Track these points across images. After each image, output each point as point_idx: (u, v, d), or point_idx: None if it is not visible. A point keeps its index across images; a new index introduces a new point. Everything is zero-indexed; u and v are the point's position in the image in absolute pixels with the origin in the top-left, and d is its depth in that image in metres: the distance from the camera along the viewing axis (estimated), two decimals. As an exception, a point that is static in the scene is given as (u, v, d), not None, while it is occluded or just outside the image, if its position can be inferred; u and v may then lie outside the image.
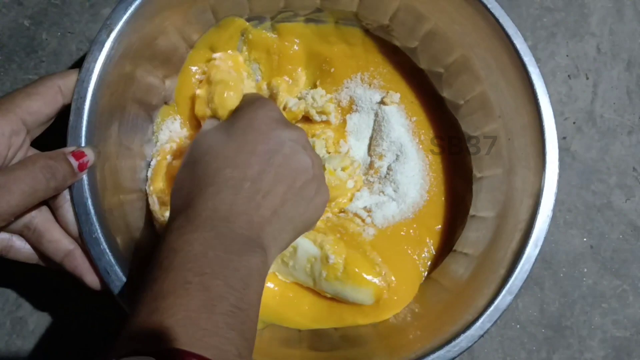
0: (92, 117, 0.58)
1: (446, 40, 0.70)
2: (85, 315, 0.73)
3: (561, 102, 0.82)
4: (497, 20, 0.62)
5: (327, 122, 0.77)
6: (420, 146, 0.76)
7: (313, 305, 0.72)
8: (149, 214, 0.69)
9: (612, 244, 0.79)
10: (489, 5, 0.62)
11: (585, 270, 0.79)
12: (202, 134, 0.63)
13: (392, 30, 0.75)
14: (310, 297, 0.72)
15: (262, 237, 0.55)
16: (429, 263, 0.74)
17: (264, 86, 0.78)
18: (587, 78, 0.83)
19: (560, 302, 0.78)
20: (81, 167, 0.56)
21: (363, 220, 0.74)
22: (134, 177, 0.68)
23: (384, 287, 0.70)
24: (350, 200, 0.75)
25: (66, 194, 0.57)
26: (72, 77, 0.58)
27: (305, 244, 0.68)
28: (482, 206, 0.70)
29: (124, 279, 0.57)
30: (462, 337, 0.57)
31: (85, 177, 0.57)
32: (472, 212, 0.72)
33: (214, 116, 0.69)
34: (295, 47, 0.78)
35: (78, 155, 0.56)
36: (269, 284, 0.71)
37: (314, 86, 0.79)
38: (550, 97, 0.61)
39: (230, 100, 0.69)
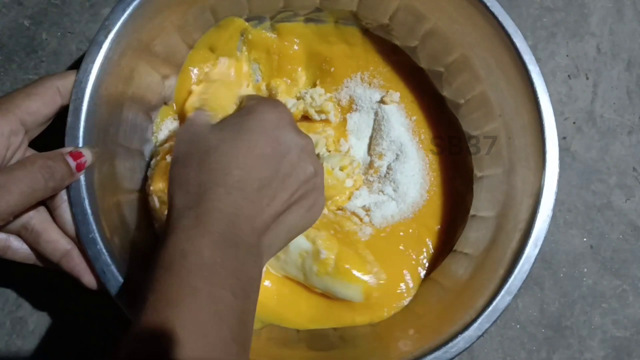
0: (89, 117, 0.58)
1: (446, 40, 0.70)
2: (85, 315, 0.73)
3: (561, 102, 0.82)
4: (497, 19, 0.62)
5: (326, 121, 0.77)
6: (420, 146, 0.76)
7: (310, 305, 0.72)
8: (147, 214, 0.69)
9: (612, 244, 0.79)
10: (488, 4, 0.62)
11: (585, 270, 0.78)
12: (201, 127, 0.60)
13: (392, 29, 0.75)
14: (306, 295, 0.72)
15: (260, 244, 0.54)
16: (428, 263, 0.74)
17: (263, 87, 0.78)
18: (587, 78, 0.83)
19: (560, 302, 0.78)
20: (79, 168, 0.56)
21: (361, 220, 0.74)
22: (133, 177, 0.68)
23: (375, 285, 0.70)
24: (349, 198, 0.75)
25: (64, 194, 0.57)
26: (70, 78, 0.58)
27: (297, 239, 0.68)
28: (482, 206, 0.70)
29: (121, 279, 0.57)
30: (460, 337, 0.57)
31: (82, 177, 0.57)
32: (472, 211, 0.72)
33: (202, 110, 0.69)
34: (295, 47, 0.78)
35: (76, 155, 0.56)
36: (266, 282, 0.71)
37: (314, 86, 0.79)
38: (550, 97, 0.61)
39: (225, 99, 0.68)
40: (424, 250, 0.74)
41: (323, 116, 0.76)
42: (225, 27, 0.73)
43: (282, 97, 0.76)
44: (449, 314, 0.63)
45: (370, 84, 0.78)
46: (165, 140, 0.72)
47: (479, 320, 0.57)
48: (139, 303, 0.48)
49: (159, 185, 0.66)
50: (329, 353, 0.67)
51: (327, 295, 0.71)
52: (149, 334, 0.44)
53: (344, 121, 0.78)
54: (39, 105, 0.56)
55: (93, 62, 0.58)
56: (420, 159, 0.75)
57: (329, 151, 0.76)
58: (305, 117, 0.77)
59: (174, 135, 0.72)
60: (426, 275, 0.73)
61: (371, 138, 0.78)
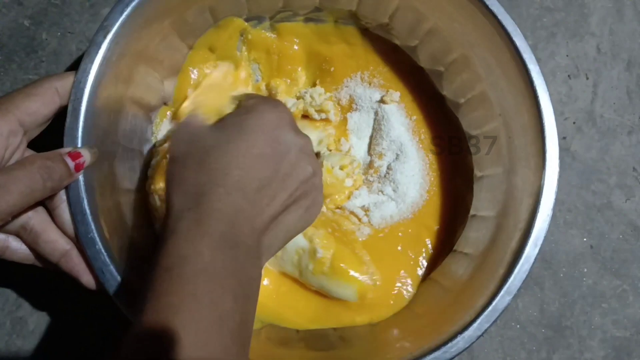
0: (88, 118, 0.58)
1: (446, 39, 0.70)
2: (85, 315, 0.73)
3: (561, 102, 0.82)
4: (497, 18, 0.62)
5: (327, 120, 0.77)
6: (420, 145, 0.76)
7: (308, 304, 0.72)
8: (146, 214, 0.69)
9: (612, 244, 0.79)
10: (488, 4, 0.62)
11: (585, 270, 0.78)
12: (199, 127, 0.61)
13: (391, 29, 0.75)
14: (304, 295, 0.72)
15: (260, 245, 0.54)
16: (428, 263, 0.74)
17: (263, 87, 0.78)
18: (587, 78, 0.82)
19: (560, 302, 0.78)
20: (77, 168, 0.56)
21: (359, 219, 0.74)
22: (132, 178, 0.68)
23: (369, 286, 0.70)
24: (348, 198, 0.75)
25: (63, 195, 0.57)
26: (69, 79, 0.58)
27: None
28: (482, 206, 0.70)
29: (120, 279, 0.57)
30: (460, 337, 0.57)
31: (81, 177, 0.57)
32: (472, 211, 0.72)
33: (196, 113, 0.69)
34: (295, 46, 0.78)
35: (74, 155, 0.56)
36: (265, 281, 0.71)
37: (314, 85, 0.79)
38: (550, 97, 0.61)
39: (219, 103, 0.68)
40: (423, 250, 0.74)
41: (323, 115, 0.76)
42: (225, 27, 0.73)
43: (282, 97, 0.76)
44: (448, 314, 0.63)
45: (370, 84, 0.78)
46: (164, 140, 0.72)
47: (479, 320, 0.57)
48: (139, 304, 0.48)
49: (159, 185, 0.66)
50: (329, 353, 0.67)
51: (323, 294, 0.71)
52: (149, 335, 0.44)
53: (344, 120, 0.78)
54: (37, 106, 0.56)
55: (92, 62, 0.58)
56: (420, 159, 0.75)
57: (330, 150, 0.76)
58: (306, 116, 0.77)
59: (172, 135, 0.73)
60: (426, 275, 0.73)
61: (371, 138, 0.78)
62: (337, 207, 0.75)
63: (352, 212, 0.74)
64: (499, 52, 0.64)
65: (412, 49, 0.76)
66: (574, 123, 0.81)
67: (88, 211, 0.57)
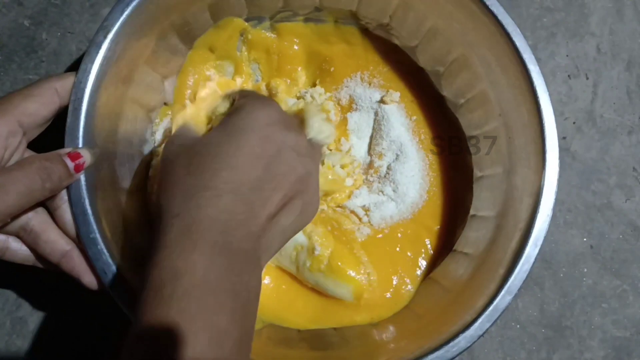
0: (89, 118, 0.58)
1: (446, 39, 0.70)
2: (85, 315, 0.73)
3: (561, 102, 0.82)
4: (497, 18, 0.62)
5: (327, 120, 0.77)
6: (420, 146, 0.76)
7: (307, 304, 0.72)
8: (147, 214, 0.69)
9: (612, 244, 0.79)
10: (488, 4, 0.62)
11: (585, 270, 0.78)
12: (190, 133, 0.60)
13: (391, 29, 0.75)
14: (303, 293, 0.73)
15: (258, 249, 0.52)
16: (428, 263, 0.74)
17: (263, 87, 0.78)
18: (587, 78, 0.83)
19: (560, 302, 0.78)
20: (77, 169, 0.56)
21: (360, 219, 0.74)
22: (132, 178, 0.68)
23: (366, 286, 0.70)
24: (349, 197, 0.75)
25: (64, 195, 0.57)
26: (69, 79, 0.58)
27: None
28: (482, 206, 0.70)
29: (122, 279, 0.57)
30: (461, 337, 0.57)
31: (82, 177, 0.57)
32: (472, 211, 0.72)
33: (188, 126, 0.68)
34: (295, 46, 0.78)
35: (74, 156, 0.56)
36: (264, 280, 0.71)
37: (314, 85, 0.79)
38: (550, 97, 0.61)
39: (211, 108, 0.68)
40: (423, 250, 0.74)
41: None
42: (225, 27, 0.73)
43: (282, 96, 0.76)
44: (449, 313, 0.63)
45: (370, 84, 0.78)
46: (163, 141, 0.72)
47: (480, 320, 0.57)
48: (131, 326, 0.46)
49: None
50: (330, 353, 0.67)
51: (321, 293, 0.71)
52: None
53: (344, 120, 0.78)
54: (37, 107, 0.56)
55: (92, 62, 0.58)
56: (420, 159, 0.75)
57: (330, 150, 0.76)
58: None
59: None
60: (426, 275, 0.73)
61: (371, 138, 0.78)
62: (338, 206, 0.75)
63: (352, 212, 0.74)
64: (498, 52, 0.64)
65: (412, 49, 0.76)
66: (574, 123, 0.81)
67: (90, 211, 0.56)
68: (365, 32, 0.77)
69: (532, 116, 0.62)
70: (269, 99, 0.62)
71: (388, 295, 0.72)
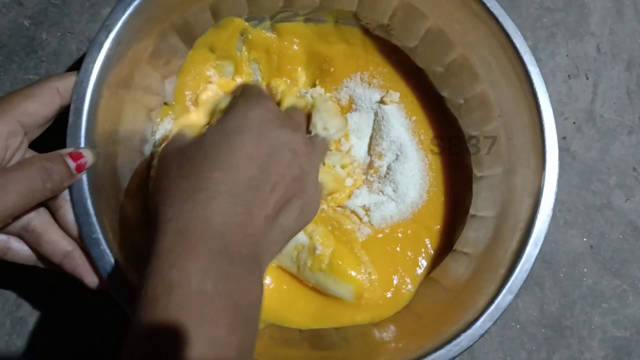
0: (91, 117, 0.58)
1: (446, 40, 0.70)
2: (85, 315, 0.73)
3: (561, 102, 0.82)
4: (497, 19, 0.62)
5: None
6: (420, 146, 0.76)
7: (308, 304, 0.72)
8: (148, 215, 0.69)
9: (612, 244, 0.79)
10: (488, 5, 0.62)
11: (585, 270, 0.79)
12: (185, 137, 0.58)
13: (391, 29, 0.75)
14: (304, 293, 0.72)
15: (258, 252, 0.50)
16: (428, 263, 0.74)
17: (264, 87, 0.78)
18: (587, 78, 0.83)
19: (560, 302, 0.78)
20: (79, 169, 0.56)
21: (360, 219, 0.74)
22: (134, 178, 0.68)
23: (367, 286, 0.70)
24: (349, 197, 0.75)
25: (66, 195, 0.57)
26: (70, 79, 0.58)
27: None
28: (482, 206, 0.70)
29: (124, 280, 0.57)
30: (463, 336, 0.57)
31: (85, 177, 0.56)
32: (472, 211, 0.72)
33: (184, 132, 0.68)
34: (295, 46, 0.78)
35: (76, 156, 0.55)
36: (265, 280, 0.71)
37: (314, 86, 0.79)
38: (550, 97, 0.61)
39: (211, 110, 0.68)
40: (423, 250, 0.74)
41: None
42: (225, 27, 0.73)
43: (282, 95, 0.76)
44: (450, 313, 0.64)
45: (370, 84, 0.78)
46: (162, 142, 0.72)
47: (482, 319, 0.58)
48: (129, 329, 0.45)
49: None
50: (331, 353, 0.67)
51: (322, 293, 0.71)
52: None
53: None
54: (37, 107, 0.55)
55: (94, 61, 0.58)
56: (420, 160, 0.75)
57: (330, 150, 0.76)
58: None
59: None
60: (426, 275, 0.74)
61: (371, 138, 0.78)
62: (338, 206, 0.75)
63: (353, 212, 0.74)
64: (498, 53, 0.64)
65: (412, 50, 0.76)
66: (574, 123, 0.82)
67: (92, 211, 0.56)
68: (366, 32, 0.77)
69: (532, 117, 0.62)
70: (264, 98, 0.60)
71: (389, 294, 0.72)
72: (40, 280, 0.73)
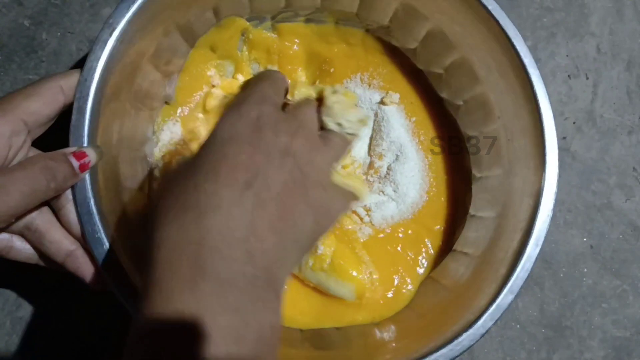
0: (94, 116, 0.58)
1: (446, 41, 0.70)
2: (85, 315, 0.73)
3: (561, 102, 0.82)
4: (497, 21, 0.62)
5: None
6: (420, 146, 0.76)
7: (310, 303, 0.72)
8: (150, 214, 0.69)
9: (612, 244, 0.79)
10: (489, 7, 0.62)
11: (585, 270, 0.79)
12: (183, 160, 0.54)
13: (392, 30, 0.75)
14: (305, 293, 0.72)
15: (270, 267, 0.45)
16: (428, 263, 0.74)
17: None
18: (587, 78, 0.83)
19: (560, 302, 0.78)
20: (82, 168, 0.55)
21: (361, 219, 0.74)
22: (136, 177, 0.68)
23: (368, 285, 0.70)
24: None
25: (69, 194, 0.57)
26: (73, 77, 0.57)
27: None
28: (482, 206, 0.70)
29: (127, 280, 0.57)
30: (464, 335, 0.57)
31: (87, 177, 0.56)
32: (471, 212, 0.72)
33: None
34: (295, 47, 0.78)
35: (79, 155, 0.55)
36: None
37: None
38: (550, 97, 0.61)
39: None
40: (423, 250, 0.74)
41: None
42: (226, 27, 0.73)
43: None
44: (451, 312, 0.64)
45: (370, 85, 0.78)
46: (168, 142, 0.72)
47: (483, 319, 0.58)
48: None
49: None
50: (332, 352, 0.67)
51: (323, 292, 0.71)
52: None
53: (345, 121, 0.78)
54: (39, 105, 0.55)
55: (97, 60, 0.57)
56: (420, 160, 0.75)
57: (351, 145, 0.76)
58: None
59: (175, 137, 0.73)
60: (426, 275, 0.74)
61: (371, 139, 0.78)
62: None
63: (354, 212, 0.74)
64: (498, 55, 0.64)
65: (412, 51, 0.76)
66: (574, 123, 0.82)
67: (95, 211, 0.56)
68: (366, 33, 0.77)
69: (532, 119, 0.62)
70: (259, 96, 0.54)
71: (389, 294, 0.72)
72: (40, 280, 0.73)
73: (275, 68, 0.78)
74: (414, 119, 0.76)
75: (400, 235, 0.74)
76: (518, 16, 0.83)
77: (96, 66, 0.57)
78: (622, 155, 0.81)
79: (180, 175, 0.49)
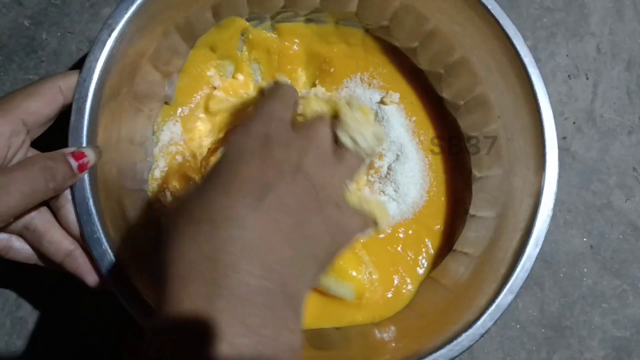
0: (93, 116, 0.58)
1: (446, 41, 0.70)
2: (85, 315, 0.73)
3: (561, 102, 0.82)
4: (497, 21, 0.62)
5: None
6: (420, 146, 0.76)
7: (309, 303, 0.70)
8: (151, 214, 0.69)
9: (612, 244, 0.79)
10: (489, 7, 0.62)
11: (585, 270, 0.79)
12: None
13: (391, 30, 0.75)
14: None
15: (287, 281, 0.43)
16: (428, 263, 0.74)
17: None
18: (587, 78, 0.83)
19: (560, 302, 0.78)
20: (81, 168, 0.55)
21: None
22: (135, 177, 0.68)
23: (367, 285, 0.70)
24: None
25: (68, 195, 0.57)
26: (73, 78, 0.57)
27: None
28: (482, 206, 0.70)
29: (126, 279, 0.57)
30: (464, 335, 0.57)
31: (86, 177, 0.56)
32: (471, 211, 0.72)
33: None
34: (295, 47, 0.78)
35: (78, 156, 0.55)
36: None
37: (314, 86, 0.79)
38: (550, 97, 0.61)
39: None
40: (423, 250, 0.74)
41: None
42: (226, 27, 0.73)
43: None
44: (450, 312, 0.64)
45: (370, 85, 0.78)
46: (169, 143, 0.72)
47: (482, 319, 0.58)
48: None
49: (173, 183, 0.66)
50: (332, 352, 0.67)
51: (323, 292, 0.71)
52: None
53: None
54: (39, 105, 0.55)
55: (96, 60, 0.57)
56: (420, 160, 0.75)
57: (366, 165, 0.75)
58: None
59: (176, 138, 0.73)
60: (426, 275, 0.74)
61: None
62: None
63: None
64: (498, 55, 0.64)
65: (412, 51, 0.76)
66: (574, 123, 0.82)
67: (94, 211, 0.56)
68: (366, 33, 0.77)
69: (532, 119, 0.62)
70: (265, 119, 0.52)
71: (389, 294, 0.72)
72: (40, 280, 0.73)
73: (282, 76, 0.77)
74: (414, 118, 0.76)
75: (401, 235, 0.74)
76: (518, 16, 0.83)
77: (95, 67, 0.57)
78: (622, 155, 0.81)
79: (193, 195, 0.48)
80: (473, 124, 0.72)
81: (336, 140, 0.56)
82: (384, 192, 0.74)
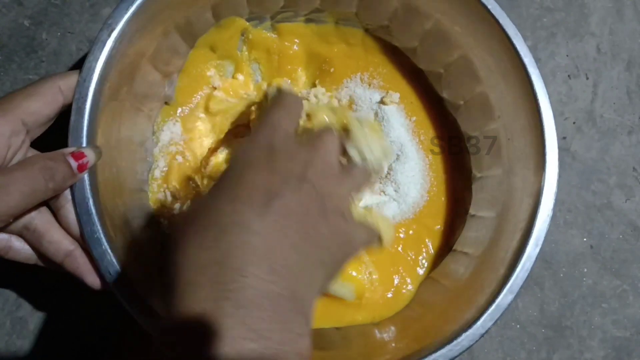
0: (93, 116, 0.57)
1: (446, 41, 0.70)
2: (85, 315, 0.73)
3: (561, 102, 0.82)
4: (497, 21, 0.62)
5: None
6: (420, 146, 0.76)
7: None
8: (150, 214, 0.69)
9: (612, 244, 0.79)
10: (489, 7, 0.62)
11: (585, 270, 0.79)
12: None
13: (391, 30, 0.75)
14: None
15: (295, 286, 0.43)
16: (428, 263, 0.74)
17: (264, 87, 0.78)
18: (587, 78, 0.83)
19: (560, 302, 0.78)
20: (81, 168, 0.55)
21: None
22: (135, 177, 0.68)
23: (367, 285, 0.70)
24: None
25: (67, 195, 0.57)
26: (72, 78, 0.57)
27: None
28: (482, 206, 0.70)
29: (126, 279, 0.56)
30: (464, 336, 0.57)
31: (86, 177, 0.56)
32: (472, 211, 0.72)
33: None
34: (295, 47, 0.78)
35: (78, 156, 0.55)
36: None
37: (314, 86, 0.79)
38: (550, 97, 0.61)
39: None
40: (424, 250, 0.74)
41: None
42: (226, 27, 0.73)
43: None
44: (450, 312, 0.64)
45: (370, 85, 0.78)
46: (169, 143, 0.72)
47: (482, 319, 0.58)
48: None
49: (173, 183, 0.66)
50: (333, 352, 0.67)
51: (322, 292, 0.71)
52: None
53: (344, 121, 0.78)
54: (39, 105, 0.55)
55: (96, 60, 0.57)
56: (420, 160, 0.75)
57: (372, 181, 0.75)
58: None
59: (176, 138, 0.73)
60: (426, 275, 0.74)
61: (372, 139, 0.78)
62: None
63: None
64: (498, 55, 0.64)
65: (412, 51, 0.76)
66: (574, 123, 0.82)
67: (94, 211, 0.56)
68: (366, 33, 0.77)
69: (532, 119, 0.62)
70: (269, 130, 0.52)
71: (389, 294, 0.72)
72: (40, 280, 0.73)
73: (284, 81, 0.77)
74: (414, 118, 0.76)
75: (401, 235, 0.74)
76: (518, 16, 0.83)
77: (95, 67, 0.57)
78: (622, 155, 0.81)
79: (200, 203, 0.48)
80: (473, 124, 0.72)
81: (344, 154, 0.56)
82: (384, 192, 0.74)
